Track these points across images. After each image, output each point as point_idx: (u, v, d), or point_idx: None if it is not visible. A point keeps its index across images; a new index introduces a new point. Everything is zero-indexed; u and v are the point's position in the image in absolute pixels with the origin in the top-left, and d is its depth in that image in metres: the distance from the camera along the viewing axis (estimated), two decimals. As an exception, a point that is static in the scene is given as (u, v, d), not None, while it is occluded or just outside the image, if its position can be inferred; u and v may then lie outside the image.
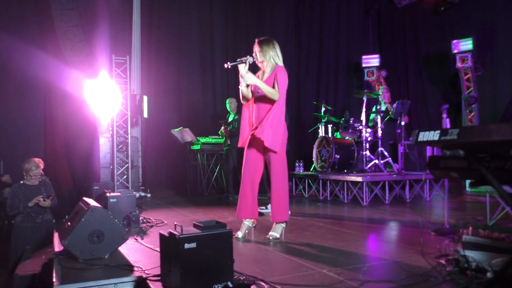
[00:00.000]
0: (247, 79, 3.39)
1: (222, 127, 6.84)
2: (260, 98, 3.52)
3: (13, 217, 4.29)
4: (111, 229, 2.81)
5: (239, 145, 3.65)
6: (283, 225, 3.54)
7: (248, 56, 3.47)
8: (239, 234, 3.52)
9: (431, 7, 8.89)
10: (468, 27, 8.01)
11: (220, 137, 7.17)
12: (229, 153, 6.69)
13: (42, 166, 4.37)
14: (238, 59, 3.45)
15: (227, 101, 6.98)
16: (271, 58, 3.49)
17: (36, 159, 4.34)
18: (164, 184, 8.13)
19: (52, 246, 3.43)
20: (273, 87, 3.42)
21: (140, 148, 7.50)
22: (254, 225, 3.64)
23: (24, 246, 4.07)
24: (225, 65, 3.45)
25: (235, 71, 9.21)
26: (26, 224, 4.22)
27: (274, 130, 3.35)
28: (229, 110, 6.91)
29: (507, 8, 7.50)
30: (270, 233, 3.51)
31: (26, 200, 4.17)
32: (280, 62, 3.53)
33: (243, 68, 3.43)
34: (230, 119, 6.84)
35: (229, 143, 6.72)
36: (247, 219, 3.56)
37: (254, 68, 3.61)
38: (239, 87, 3.54)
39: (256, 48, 3.51)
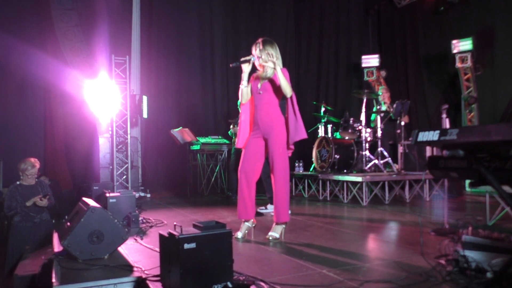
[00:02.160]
0: (270, 64, 3.41)
1: (232, 126, 6.83)
2: (262, 99, 3.52)
3: (11, 217, 4.29)
4: (111, 230, 2.81)
5: (239, 146, 3.64)
6: (283, 225, 3.54)
7: (251, 56, 3.50)
8: (239, 234, 3.53)
9: (431, 7, 8.89)
10: (468, 27, 8.01)
11: (232, 136, 7.12)
12: (236, 152, 6.70)
13: (38, 165, 4.36)
14: (242, 58, 3.49)
15: (238, 102, 6.96)
16: (274, 59, 3.48)
17: (32, 159, 4.34)
18: (163, 184, 8.12)
19: (52, 246, 3.42)
20: (279, 87, 3.44)
21: (140, 148, 7.50)
22: (253, 225, 3.64)
23: (22, 246, 4.06)
24: (230, 65, 3.52)
25: (235, 70, 9.21)
26: (24, 224, 4.21)
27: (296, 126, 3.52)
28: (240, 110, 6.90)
29: (507, 8, 7.50)
30: (270, 233, 3.51)
31: (24, 200, 4.17)
32: (281, 64, 3.52)
33: (246, 67, 3.49)
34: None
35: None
36: (250, 220, 3.57)
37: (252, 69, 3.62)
38: (240, 86, 3.55)
39: (259, 48, 3.49)
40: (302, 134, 3.55)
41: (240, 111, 6.56)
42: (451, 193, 6.34)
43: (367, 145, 6.45)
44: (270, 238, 3.46)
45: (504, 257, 2.20)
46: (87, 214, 2.76)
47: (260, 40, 3.54)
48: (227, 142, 7.54)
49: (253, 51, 3.52)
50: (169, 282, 2.19)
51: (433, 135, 1.92)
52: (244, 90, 3.54)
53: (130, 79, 6.84)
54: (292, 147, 3.59)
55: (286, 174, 3.48)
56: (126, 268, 2.56)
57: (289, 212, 3.61)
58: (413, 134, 2.03)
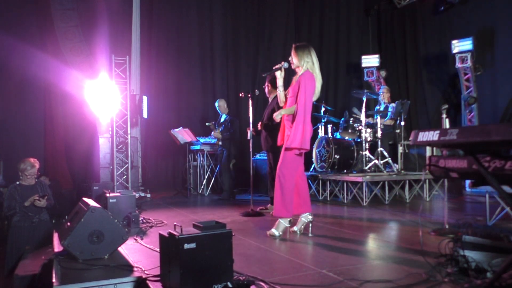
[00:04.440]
0: (277, 118, 3.78)
1: (213, 132, 6.86)
2: (288, 102, 3.75)
3: (10, 217, 4.29)
4: (111, 230, 2.81)
5: (279, 143, 3.86)
6: (286, 223, 3.60)
7: (283, 62, 3.80)
8: (295, 228, 3.70)
9: (430, 7, 8.89)
10: (468, 27, 8.00)
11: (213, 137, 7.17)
12: (220, 154, 6.75)
13: (37, 166, 4.36)
14: (274, 67, 3.83)
15: (216, 103, 6.99)
16: (305, 63, 3.69)
17: (31, 159, 4.33)
18: (164, 184, 8.12)
19: (52, 246, 3.43)
20: (297, 92, 3.64)
21: (140, 148, 7.50)
22: (310, 219, 3.71)
23: (21, 246, 4.06)
24: (263, 75, 4.02)
25: (235, 70, 9.17)
26: (23, 223, 4.21)
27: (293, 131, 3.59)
28: (219, 111, 6.94)
29: (507, 8, 7.50)
30: (272, 229, 3.61)
31: (23, 200, 4.16)
32: (315, 68, 3.74)
33: (279, 74, 3.82)
34: (222, 120, 6.86)
35: (220, 144, 6.74)
36: (304, 215, 3.68)
37: (291, 72, 3.88)
38: (278, 92, 3.85)
39: (292, 53, 3.72)
40: (292, 142, 3.56)
41: (219, 111, 6.70)
42: (451, 193, 6.34)
43: (367, 145, 6.45)
44: (270, 234, 3.59)
45: (504, 257, 2.20)
46: (87, 214, 2.77)
47: (295, 45, 3.78)
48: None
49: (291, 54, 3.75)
50: (169, 282, 2.19)
51: (433, 135, 1.92)
52: (281, 94, 3.84)
53: (130, 79, 6.85)
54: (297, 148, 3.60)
55: (282, 172, 3.59)
56: (126, 268, 2.56)
57: (287, 209, 3.61)
58: (413, 134, 2.03)
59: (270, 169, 5.14)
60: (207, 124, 6.97)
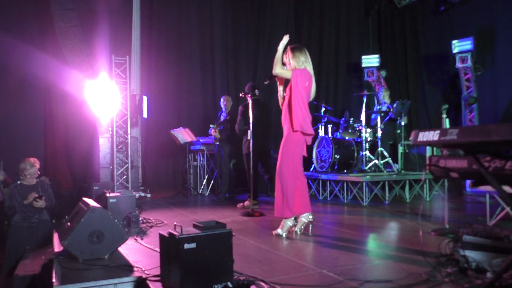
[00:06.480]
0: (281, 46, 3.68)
1: (212, 130, 6.82)
2: (287, 100, 3.74)
3: (10, 217, 4.29)
4: (111, 230, 2.81)
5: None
6: (290, 222, 3.60)
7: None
8: (295, 228, 3.66)
9: (430, 7, 8.89)
10: (468, 27, 8.00)
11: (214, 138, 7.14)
12: (218, 154, 6.74)
13: (37, 165, 4.35)
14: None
15: (221, 99, 6.87)
16: (302, 63, 3.70)
17: (31, 159, 4.33)
18: (164, 184, 8.12)
19: (52, 246, 3.43)
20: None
21: (140, 148, 7.50)
22: (311, 219, 3.69)
23: (20, 246, 4.06)
24: (265, 82, 4.05)
25: (235, 70, 9.15)
26: (22, 223, 4.20)
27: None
28: (223, 108, 6.79)
29: (507, 8, 7.50)
30: (277, 229, 3.63)
31: (23, 200, 4.17)
32: (309, 67, 3.72)
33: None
34: (222, 119, 6.77)
35: (218, 143, 6.70)
36: (304, 215, 3.65)
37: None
38: (278, 95, 3.86)
39: (289, 55, 3.72)
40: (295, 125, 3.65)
41: (223, 109, 6.77)
42: (451, 193, 6.34)
43: (367, 145, 6.44)
44: (275, 234, 3.60)
45: (504, 257, 2.20)
46: (88, 214, 2.77)
47: (291, 47, 3.76)
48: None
49: (287, 56, 3.74)
50: (169, 282, 2.19)
51: (433, 135, 1.92)
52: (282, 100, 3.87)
53: (130, 79, 6.84)
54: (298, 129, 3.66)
55: (281, 171, 3.59)
56: (126, 268, 2.56)
57: (290, 209, 3.60)
58: (413, 134, 2.03)
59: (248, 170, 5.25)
60: (211, 126, 6.91)
